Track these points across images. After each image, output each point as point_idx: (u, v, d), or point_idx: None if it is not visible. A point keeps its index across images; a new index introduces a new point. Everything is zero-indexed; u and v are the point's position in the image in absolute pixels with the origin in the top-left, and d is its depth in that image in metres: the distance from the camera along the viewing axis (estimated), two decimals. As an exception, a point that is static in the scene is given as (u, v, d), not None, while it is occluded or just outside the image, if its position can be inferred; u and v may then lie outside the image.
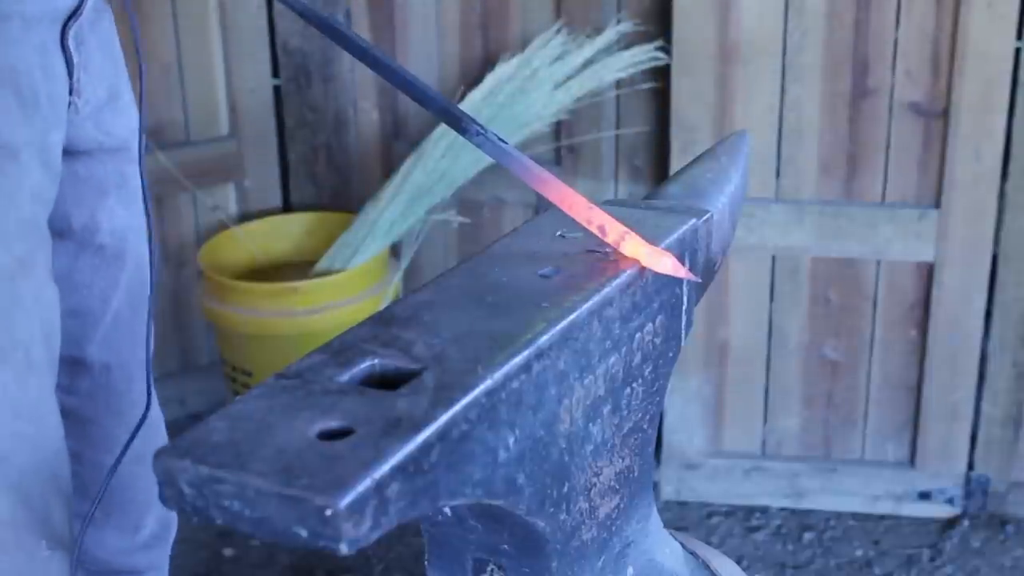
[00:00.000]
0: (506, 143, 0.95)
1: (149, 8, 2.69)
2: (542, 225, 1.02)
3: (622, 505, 1.00)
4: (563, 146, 2.63)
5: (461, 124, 0.95)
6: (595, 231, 0.95)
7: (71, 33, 1.32)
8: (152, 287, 1.47)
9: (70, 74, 1.33)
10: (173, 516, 1.76)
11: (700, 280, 1.05)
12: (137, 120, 1.50)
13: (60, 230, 1.44)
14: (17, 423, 1.30)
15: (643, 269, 0.95)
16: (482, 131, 0.94)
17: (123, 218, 1.51)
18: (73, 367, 1.55)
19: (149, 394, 1.48)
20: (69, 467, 1.41)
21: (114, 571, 1.70)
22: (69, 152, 1.39)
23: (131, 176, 1.50)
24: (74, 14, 1.32)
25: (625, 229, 0.95)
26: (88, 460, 1.59)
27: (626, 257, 0.95)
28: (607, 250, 0.96)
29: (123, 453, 1.39)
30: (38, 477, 1.33)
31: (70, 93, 1.35)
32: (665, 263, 0.96)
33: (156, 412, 1.69)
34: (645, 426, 1.01)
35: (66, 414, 1.53)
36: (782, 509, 2.60)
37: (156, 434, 1.66)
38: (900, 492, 2.56)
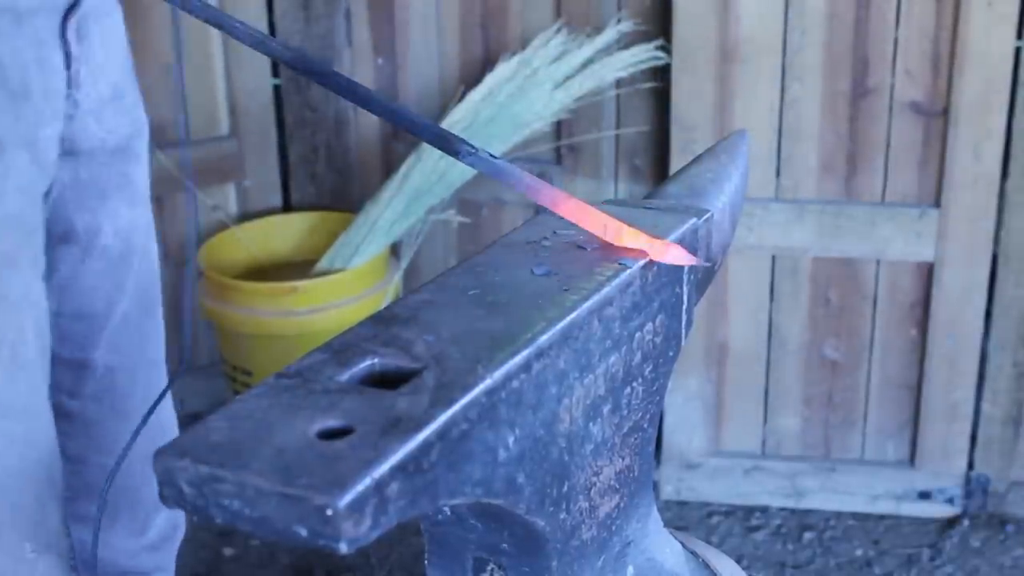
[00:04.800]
0: (498, 159, 0.95)
1: (149, 8, 2.69)
2: (542, 224, 1.02)
3: (622, 504, 1.00)
4: (563, 146, 2.64)
5: (451, 146, 0.95)
6: (599, 234, 0.96)
7: (72, 26, 1.31)
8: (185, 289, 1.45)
9: (68, 67, 1.32)
10: (181, 517, 1.75)
11: (708, 264, 1.06)
12: (142, 121, 1.49)
13: (64, 234, 1.43)
14: (4, 422, 1.29)
15: (650, 263, 0.95)
16: (473, 150, 0.95)
17: (127, 219, 1.50)
18: (78, 370, 1.54)
19: (164, 394, 1.47)
20: (61, 468, 1.40)
21: (121, 572, 1.69)
22: (71, 154, 1.38)
23: (134, 177, 1.49)
24: (74, 6, 1.31)
25: (629, 228, 0.95)
26: (94, 463, 1.58)
27: (631, 252, 0.95)
28: (608, 249, 0.96)
29: (125, 452, 1.38)
30: (28, 478, 1.32)
31: (68, 86, 1.33)
32: (672, 254, 0.96)
33: (168, 413, 1.67)
34: (645, 425, 1.01)
35: (71, 417, 1.52)
36: (782, 509, 2.60)
37: (168, 435, 1.65)
38: (900, 492, 2.56)
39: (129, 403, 1.58)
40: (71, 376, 1.53)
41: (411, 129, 0.98)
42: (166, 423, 1.66)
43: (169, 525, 1.72)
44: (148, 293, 1.56)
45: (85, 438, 1.57)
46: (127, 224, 1.50)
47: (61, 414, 1.43)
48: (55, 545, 1.36)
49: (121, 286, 1.52)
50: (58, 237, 1.40)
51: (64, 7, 1.30)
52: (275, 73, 2.86)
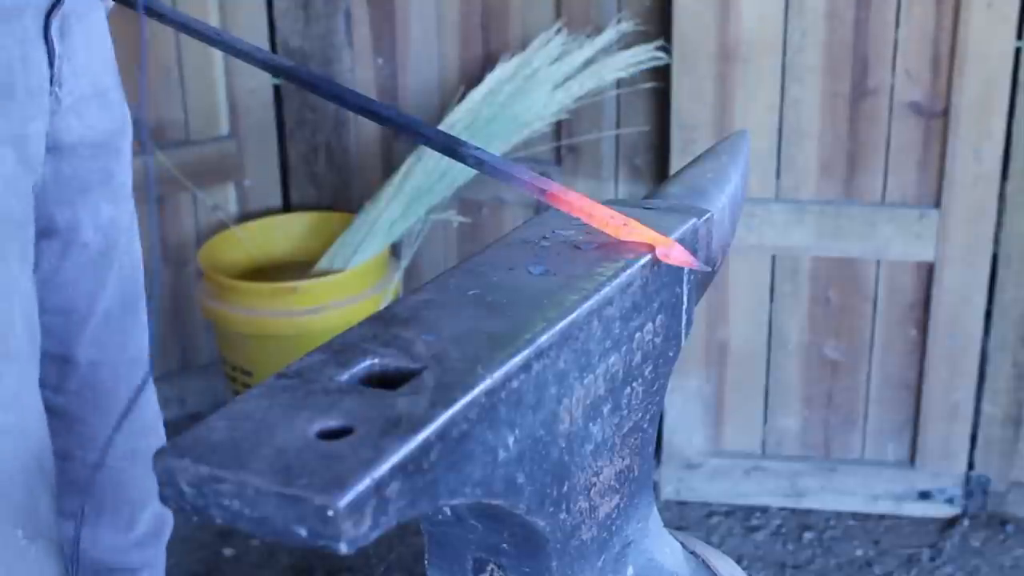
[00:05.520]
0: (500, 159, 0.96)
1: (149, 8, 2.69)
2: (543, 224, 1.02)
3: (622, 505, 1.00)
4: (563, 146, 2.63)
5: (454, 149, 0.96)
6: (604, 229, 0.96)
7: (55, 24, 1.32)
8: (157, 285, 1.45)
9: (51, 64, 1.33)
10: (169, 514, 1.75)
11: (708, 269, 1.06)
12: (126, 119, 1.49)
13: (46, 229, 1.44)
14: None
15: (651, 264, 0.95)
16: (476, 151, 0.95)
17: (108, 216, 1.49)
18: (61, 365, 1.55)
19: (139, 392, 1.47)
20: (52, 459, 1.41)
21: (108, 569, 1.69)
22: (53, 149, 1.38)
23: (117, 173, 1.49)
24: (56, 4, 1.32)
25: (632, 222, 0.95)
26: (79, 459, 1.58)
27: (633, 250, 0.95)
28: (611, 247, 0.96)
29: (107, 448, 1.38)
30: (19, 467, 1.32)
31: (50, 83, 1.34)
32: (675, 253, 0.96)
33: (153, 411, 1.68)
34: (645, 425, 1.01)
35: (55, 413, 1.52)
36: (782, 509, 2.60)
37: (152, 433, 1.65)
38: (900, 492, 2.56)
39: (112, 400, 1.58)
40: (55, 371, 1.53)
41: (410, 132, 0.98)
42: (150, 421, 1.66)
43: (157, 522, 1.72)
44: (131, 290, 1.56)
45: (70, 434, 1.57)
46: (108, 221, 1.50)
47: (46, 409, 1.44)
48: (45, 532, 1.36)
49: (103, 282, 1.52)
50: (39, 232, 1.40)
51: (47, 6, 1.31)
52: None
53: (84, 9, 1.38)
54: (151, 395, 1.68)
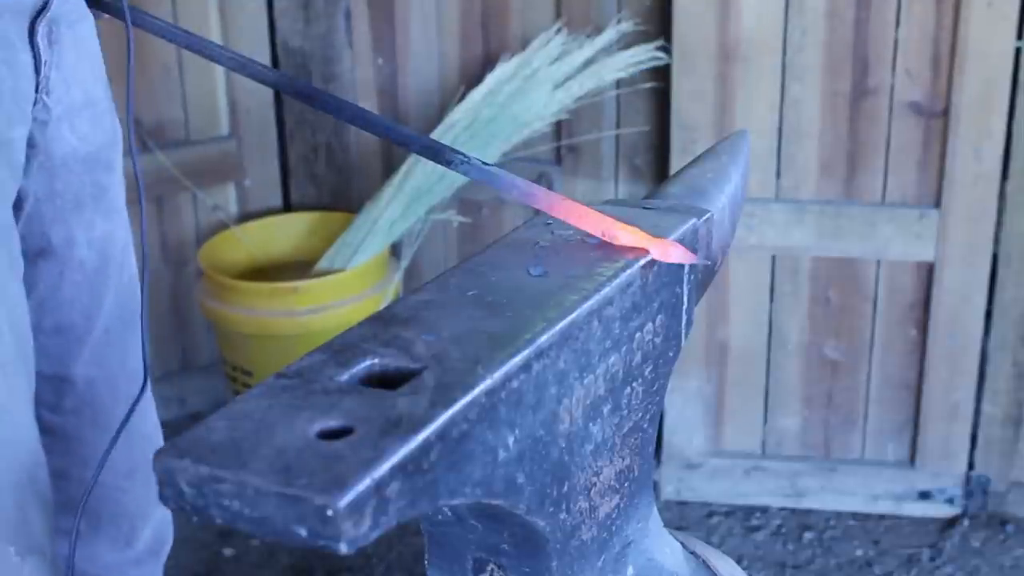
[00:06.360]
0: (491, 165, 0.96)
1: (149, 8, 2.69)
2: (542, 224, 1.02)
3: (622, 505, 1.00)
4: (563, 146, 2.63)
5: (443, 157, 0.96)
6: (598, 235, 0.96)
7: (41, 29, 1.30)
8: (145, 293, 1.43)
9: (37, 71, 1.31)
10: (169, 531, 1.73)
11: (708, 264, 1.05)
12: (116, 131, 1.48)
13: (41, 250, 1.41)
14: None
15: (650, 263, 0.95)
16: (465, 159, 0.95)
17: (102, 230, 1.47)
18: (59, 385, 1.52)
19: (136, 403, 1.44)
20: (47, 472, 1.39)
21: None
22: (46, 164, 1.37)
23: (109, 187, 1.46)
24: (43, 10, 1.30)
25: (629, 228, 0.95)
26: (76, 478, 1.55)
27: (632, 251, 0.95)
28: (609, 248, 0.96)
29: (102, 463, 1.36)
30: (10, 481, 1.30)
31: (36, 90, 1.32)
32: (674, 253, 0.96)
33: (152, 424, 1.65)
34: (645, 425, 1.01)
35: (52, 432, 1.50)
36: (782, 509, 2.60)
37: (151, 448, 1.62)
38: (900, 492, 2.56)
39: (111, 416, 1.54)
40: (52, 391, 1.51)
41: (401, 142, 0.98)
42: (151, 435, 1.63)
43: (156, 539, 1.70)
44: (127, 305, 1.54)
45: (67, 453, 1.55)
46: (103, 235, 1.48)
47: (42, 429, 1.41)
48: (38, 549, 1.34)
49: (99, 299, 1.50)
50: (35, 252, 1.39)
51: (32, 10, 1.29)
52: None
53: (74, 17, 1.36)
54: (150, 408, 1.65)
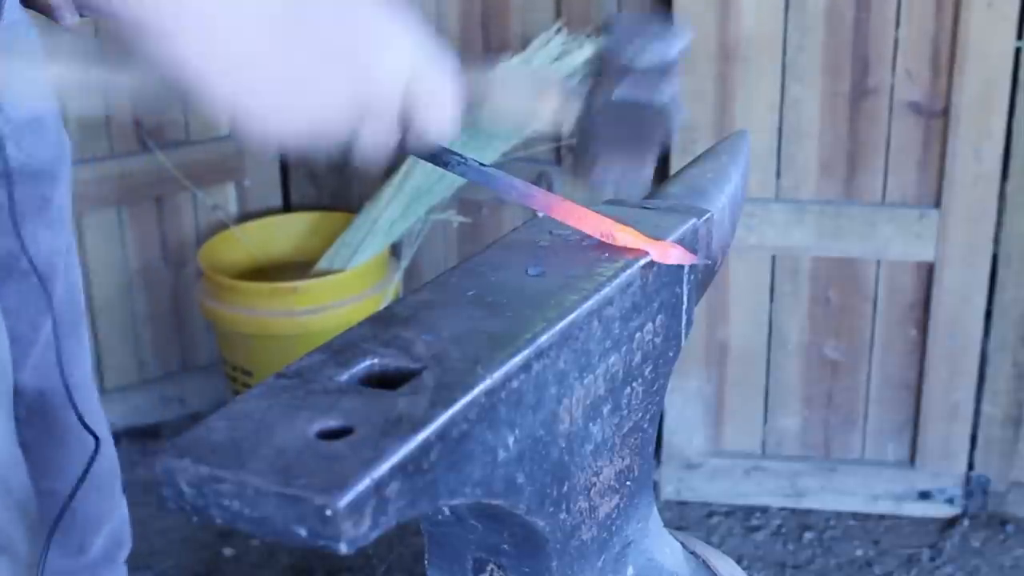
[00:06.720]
0: (488, 166, 0.96)
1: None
2: (542, 225, 1.02)
3: (622, 505, 1.00)
4: (563, 146, 2.63)
5: (440, 158, 0.96)
6: (597, 235, 0.96)
7: None
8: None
9: None
10: (126, 535, 1.73)
11: (708, 264, 1.05)
12: (64, 144, 1.48)
13: None
14: None
15: (650, 263, 0.95)
16: (462, 160, 0.95)
17: (47, 242, 1.49)
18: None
19: (83, 419, 1.43)
20: (26, 475, 1.39)
21: None
22: None
23: (54, 199, 1.48)
24: None
25: (627, 229, 0.95)
26: (36, 489, 1.56)
27: (631, 252, 0.95)
28: (608, 248, 0.96)
29: (78, 485, 1.36)
30: None
31: None
32: (672, 254, 0.96)
33: (103, 435, 1.65)
34: (645, 425, 1.01)
35: None
36: (782, 509, 2.60)
37: (101, 457, 1.62)
38: (900, 492, 2.56)
39: (60, 426, 1.56)
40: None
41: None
42: (101, 445, 1.64)
43: (111, 545, 1.70)
44: (72, 316, 1.55)
45: (24, 463, 1.55)
46: (47, 247, 1.49)
47: None
48: (9, 548, 1.34)
49: (43, 309, 1.51)
50: None
51: None
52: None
53: (18, 32, 1.35)
54: (99, 414, 1.65)
